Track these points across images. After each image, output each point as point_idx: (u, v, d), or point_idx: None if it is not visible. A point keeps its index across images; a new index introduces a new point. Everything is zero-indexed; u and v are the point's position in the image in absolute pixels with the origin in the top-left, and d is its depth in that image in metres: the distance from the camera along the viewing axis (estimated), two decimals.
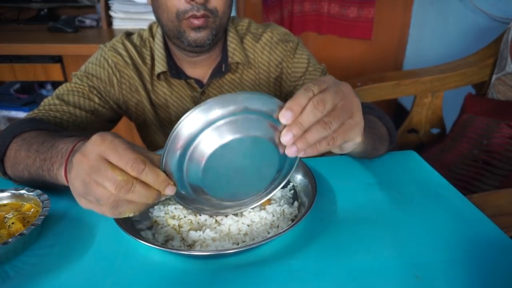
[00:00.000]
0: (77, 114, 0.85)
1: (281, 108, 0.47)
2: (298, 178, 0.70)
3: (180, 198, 0.53)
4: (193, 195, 0.53)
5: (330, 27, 2.39)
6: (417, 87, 1.52)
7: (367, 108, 0.80)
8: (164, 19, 0.81)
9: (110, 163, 0.46)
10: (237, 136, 0.48)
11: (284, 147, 0.48)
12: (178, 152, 0.47)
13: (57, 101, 0.85)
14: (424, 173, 0.77)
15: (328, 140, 0.48)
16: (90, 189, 0.46)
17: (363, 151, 0.71)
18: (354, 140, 0.53)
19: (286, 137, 0.46)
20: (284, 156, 0.52)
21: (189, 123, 0.46)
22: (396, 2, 2.34)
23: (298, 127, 0.46)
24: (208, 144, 0.47)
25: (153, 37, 0.94)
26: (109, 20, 1.98)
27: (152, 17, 1.89)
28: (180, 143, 0.47)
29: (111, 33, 1.91)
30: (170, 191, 0.48)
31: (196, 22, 0.78)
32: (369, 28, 2.35)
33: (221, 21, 0.82)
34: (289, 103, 0.46)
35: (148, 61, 0.92)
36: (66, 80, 1.79)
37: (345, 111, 0.49)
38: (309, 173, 0.67)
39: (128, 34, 0.97)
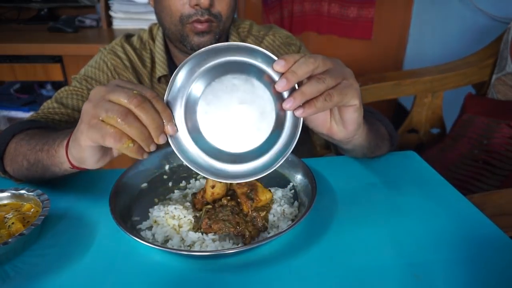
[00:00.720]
0: (76, 117, 0.85)
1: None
2: (298, 178, 0.70)
3: (180, 152, 0.52)
4: (194, 151, 0.52)
5: (330, 27, 2.39)
6: (417, 87, 1.52)
7: (367, 112, 0.80)
8: (167, 23, 0.81)
9: (121, 86, 0.48)
10: (230, 73, 0.50)
11: (282, 104, 0.49)
12: (178, 104, 0.50)
13: (55, 104, 0.85)
14: (424, 173, 0.77)
15: (324, 96, 0.49)
16: (102, 106, 0.46)
17: (368, 144, 0.70)
18: (350, 102, 0.53)
19: (280, 83, 0.47)
20: (283, 114, 0.52)
21: (180, 75, 0.50)
22: (396, 2, 2.34)
23: (291, 74, 0.47)
24: (200, 86, 0.50)
25: (153, 39, 0.94)
26: (109, 20, 1.98)
27: (152, 17, 1.89)
28: (178, 86, 0.50)
29: (111, 33, 1.91)
30: (171, 129, 0.49)
31: (200, 26, 0.78)
32: (369, 28, 2.35)
33: (224, 25, 0.82)
34: (283, 56, 0.48)
35: (148, 64, 0.92)
36: (66, 80, 1.79)
37: (337, 72, 0.51)
38: (309, 173, 0.67)
39: (128, 36, 0.97)
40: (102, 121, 0.47)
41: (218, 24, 0.80)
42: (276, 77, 0.50)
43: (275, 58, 0.49)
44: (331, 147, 0.87)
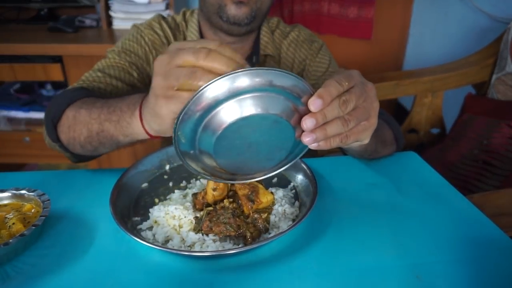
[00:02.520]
0: (119, 87, 0.85)
1: (311, 94, 0.47)
2: (299, 178, 0.70)
3: (184, 156, 0.51)
4: (198, 158, 0.52)
5: (330, 27, 2.38)
6: (417, 87, 1.52)
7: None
8: None
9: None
10: (260, 111, 0.47)
11: (301, 133, 0.48)
12: (198, 114, 0.47)
13: (99, 74, 0.84)
14: (424, 173, 0.77)
15: (341, 137, 0.49)
16: (171, 72, 0.46)
17: (363, 151, 0.71)
18: (362, 141, 0.54)
19: (309, 123, 0.46)
20: (297, 143, 0.52)
21: (214, 89, 0.45)
22: (396, 2, 2.33)
23: (322, 116, 0.46)
24: (229, 114, 0.47)
25: (186, 22, 0.96)
26: (109, 20, 1.98)
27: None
28: (202, 105, 0.46)
29: (111, 33, 1.91)
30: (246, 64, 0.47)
31: None
32: (369, 28, 2.35)
33: (261, 5, 0.84)
34: (320, 91, 0.46)
35: None
36: (66, 80, 1.79)
37: (364, 113, 0.50)
38: (310, 173, 0.67)
39: (163, 16, 0.98)
40: (178, 89, 0.47)
41: (256, 0, 0.82)
42: (301, 105, 0.48)
43: (312, 91, 0.47)
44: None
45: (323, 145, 0.48)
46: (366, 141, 0.54)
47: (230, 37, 0.88)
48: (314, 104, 0.46)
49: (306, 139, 0.47)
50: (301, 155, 0.53)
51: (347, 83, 0.48)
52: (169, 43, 0.93)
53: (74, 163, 0.77)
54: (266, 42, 0.95)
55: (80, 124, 0.66)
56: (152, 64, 0.91)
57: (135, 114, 0.56)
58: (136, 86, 0.89)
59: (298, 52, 0.98)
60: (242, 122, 0.48)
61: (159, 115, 0.49)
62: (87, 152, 0.70)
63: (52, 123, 0.71)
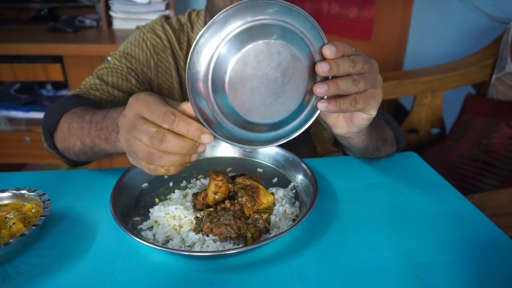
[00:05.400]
0: (115, 94, 0.86)
1: (323, 44, 0.48)
2: (299, 178, 0.70)
3: (226, 138, 0.51)
4: (235, 131, 0.51)
5: (330, 27, 2.39)
6: (417, 87, 1.52)
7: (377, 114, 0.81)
8: None
9: (145, 119, 0.48)
10: (280, 40, 0.46)
11: (313, 86, 0.49)
12: (201, 86, 0.46)
13: (97, 81, 0.86)
14: (424, 173, 0.77)
15: (351, 100, 0.50)
16: (131, 145, 0.49)
17: (365, 149, 0.71)
18: (369, 112, 0.55)
19: (324, 66, 0.48)
20: (304, 105, 0.51)
21: (200, 47, 0.45)
22: (396, 2, 2.34)
23: (335, 65, 0.48)
24: (227, 55, 0.46)
25: (191, 23, 0.96)
26: (109, 20, 1.98)
27: (151, 17, 1.89)
28: (199, 73, 0.46)
29: (111, 33, 1.91)
30: (206, 139, 0.48)
31: None
32: (369, 28, 2.35)
33: None
34: (334, 42, 0.48)
35: (185, 47, 0.94)
36: (66, 80, 1.79)
37: (371, 79, 0.52)
38: (310, 173, 0.67)
39: (167, 17, 0.98)
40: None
41: None
42: (316, 55, 0.49)
43: (326, 41, 0.48)
44: (339, 146, 0.88)
45: (332, 107, 0.50)
46: (372, 112, 0.55)
47: None
48: (329, 49, 0.47)
49: (320, 90, 0.48)
50: (311, 120, 0.52)
51: (354, 49, 0.50)
52: (171, 46, 0.93)
53: (71, 167, 0.79)
54: None
55: (74, 136, 0.68)
56: (153, 68, 0.92)
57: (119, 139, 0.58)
58: (133, 93, 0.89)
59: None
60: (262, 47, 0.46)
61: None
62: (82, 160, 0.73)
63: (49, 132, 0.73)
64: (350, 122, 0.58)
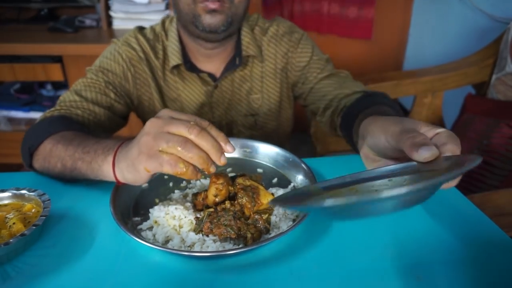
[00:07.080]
0: (96, 111, 0.86)
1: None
2: (299, 178, 0.70)
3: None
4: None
5: (330, 27, 2.38)
6: (417, 87, 1.52)
7: (381, 97, 0.82)
8: (181, 2, 0.82)
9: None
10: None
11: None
12: None
13: (77, 98, 0.85)
14: None
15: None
16: (161, 138, 0.51)
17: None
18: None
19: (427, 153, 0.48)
20: None
21: None
22: (396, 2, 2.33)
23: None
24: None
25: (165, 32, 0.96)
26: (109, 20, 1.98)
27: (151, 17, 1.90)
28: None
29: (111, 33, 1.91)
30: (230, 148, 0.54)
31: (212, 5, 0.80)
32: (369, 28, 2.35)
33: (237, 10, 0.84)
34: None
35: (161, 56, 0.94)
36: (66, 80, 1.79)
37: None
38: (310, 173, 0.67)
39: (141, 28, 0.98)
40: (160, 150, 0.51)
41: (230, 6, 0.82)
42: None
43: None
44: (337, 130, 0.90)
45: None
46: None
47: (210, 43, 0.88)
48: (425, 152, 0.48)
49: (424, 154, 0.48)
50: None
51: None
52: (146, 57, 0.93)
53: None
54: (248, 42, 0.94)
55: (55, 158, 0.68)
56: (131, 81, 0.92)
57: (108, 160, 0.59)
58: (113, 107, 0.90)
59: (279, 47, 0.97)
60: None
61: (136, 168, 0.53)
62: (61, 180, 0.73)
63: (29, 151, 0.73)
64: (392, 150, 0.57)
